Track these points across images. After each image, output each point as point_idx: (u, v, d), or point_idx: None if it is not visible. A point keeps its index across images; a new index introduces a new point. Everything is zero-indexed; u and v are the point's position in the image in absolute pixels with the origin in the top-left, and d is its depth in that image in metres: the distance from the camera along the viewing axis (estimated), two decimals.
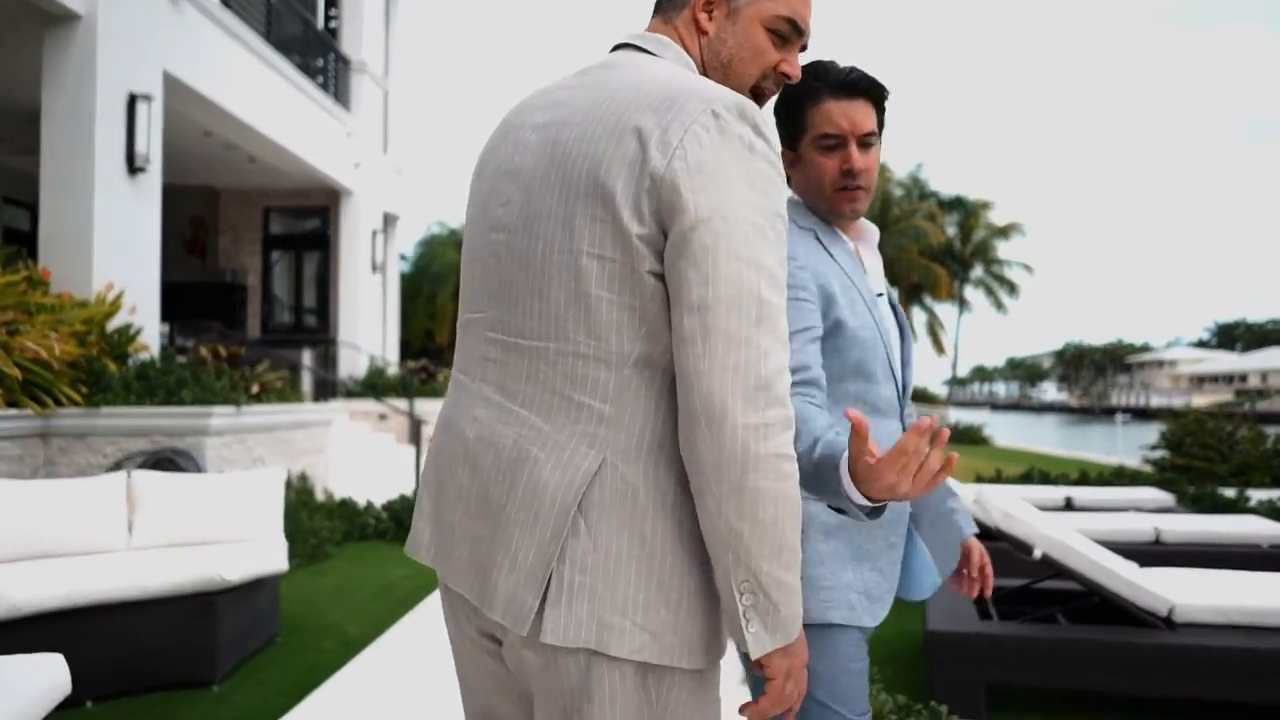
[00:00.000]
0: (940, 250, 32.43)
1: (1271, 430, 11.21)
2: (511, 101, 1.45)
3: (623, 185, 1.15)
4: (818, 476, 1.40)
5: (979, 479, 10.71)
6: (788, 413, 1.15)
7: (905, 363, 1.87)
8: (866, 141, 1.79)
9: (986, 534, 4.20)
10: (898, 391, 1.81)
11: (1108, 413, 62.04)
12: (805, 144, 1.81)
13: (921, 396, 28.99)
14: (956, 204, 36.15)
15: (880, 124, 1.83)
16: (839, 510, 1.46)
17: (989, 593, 2.01)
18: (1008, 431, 33.65)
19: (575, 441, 1.19)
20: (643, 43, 1.37)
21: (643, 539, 1.18)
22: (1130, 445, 18.85)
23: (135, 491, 4.46)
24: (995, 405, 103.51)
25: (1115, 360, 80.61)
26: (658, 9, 1.43)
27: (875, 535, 1.78)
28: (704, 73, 1.37)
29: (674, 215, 1.13)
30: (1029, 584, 4.23)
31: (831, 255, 1.77)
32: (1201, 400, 62.71)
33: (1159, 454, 11.50)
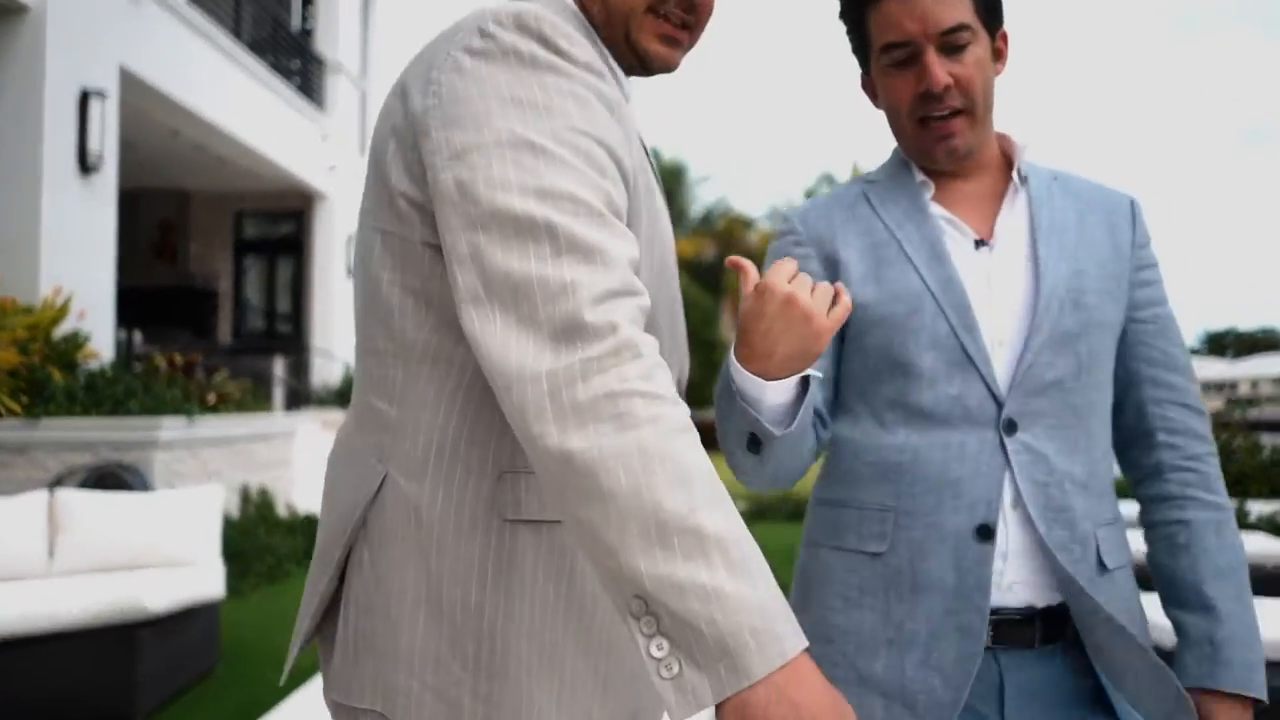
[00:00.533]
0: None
1: (1266, 438, 10.98)
2: None
3: (394, 143, 0.97)
4: (726, 401, 1.16)
5: None
6: (624, 339, 0.81)
7: (1025, 339, 1.25)
8: (953, 44, 1.25)
9: None
10: (987, 389, 1.24)
11: None
12: (875, 65, 1.32)
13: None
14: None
15: (982, 8, 1.27)
16: (754, 442, 1.17)
17: None
18: None
19: (367, 454, 1.00)
20: None
21: (428, 575, 0.93)
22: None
23: (59, 511, 4.12)
24: None
25: None
26: None
27: (930, 608, 1.22)
28: (588, 15, 1.09)
29: (431, 160, 0.91)
30: None
31: (879, 206, 1.34)
32: None
33: None
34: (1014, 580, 1.23)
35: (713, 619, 0.73)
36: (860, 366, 1.31)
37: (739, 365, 1.12)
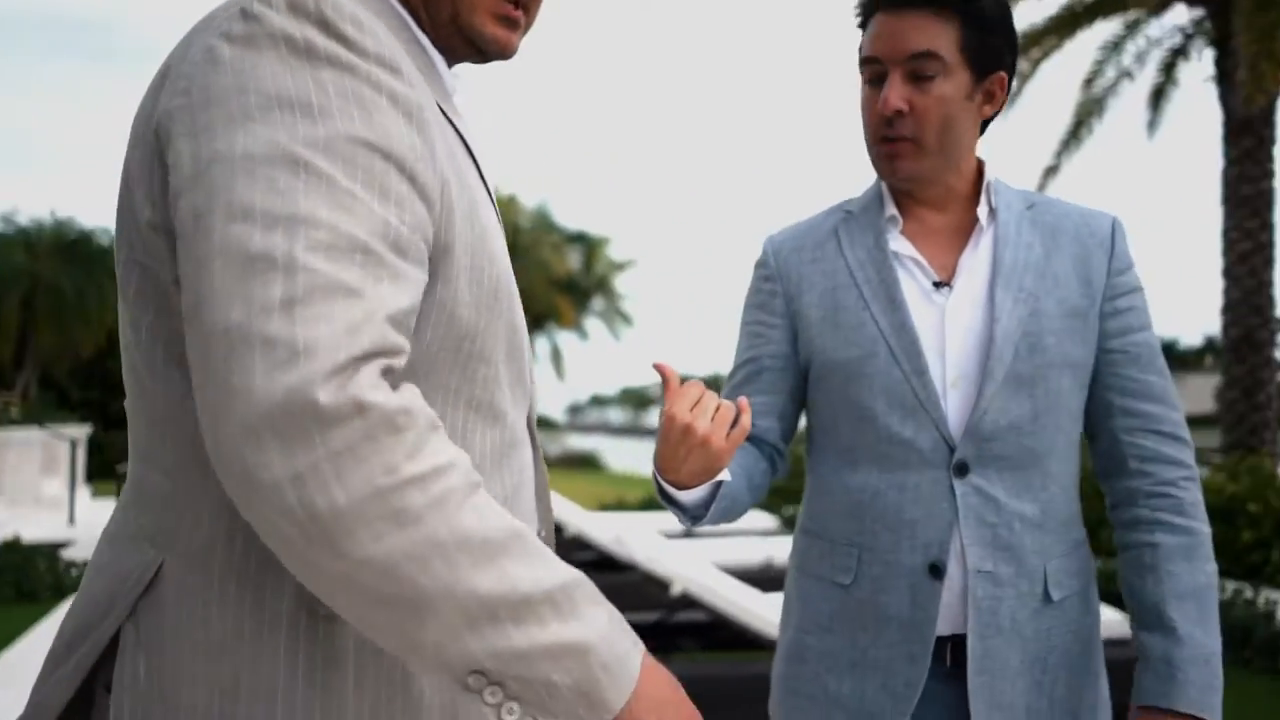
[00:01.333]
0: (564, 281, 34.61)
1: None
2: None
3: (140, 154, 0.80)
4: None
5: (602, 506, 10.89)
6: (375, 417, 0.68)
7: (978, 383, 1.31)
8: (918, 71, 1.29)
9: (617, 566, 4.48)
10: (938, 433, 1.31)
11: None
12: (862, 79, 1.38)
13: (542, 423, 31.57)
14: (579, 238, 38.53)
15: (970, 46, 1.30)
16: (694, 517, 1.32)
17: None
18: (622, 457, 35.07)
19: (139, 536, 0.84)
20: None
21: (222, 688, 0.78)
22: None
23: None
24: (610, 430, 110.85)
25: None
26: None
27: (890, 637, 1.34)
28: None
29: (172, 178, 0.75)
30: (662, 619, 4.46)
31: (849, 244, 1.40)
32: None
33: None
34: (953, 607, 1.31)
35: (563, 671, 0.72)
36: (824, 408, 1.41)
37: (656, 471, 1.26)
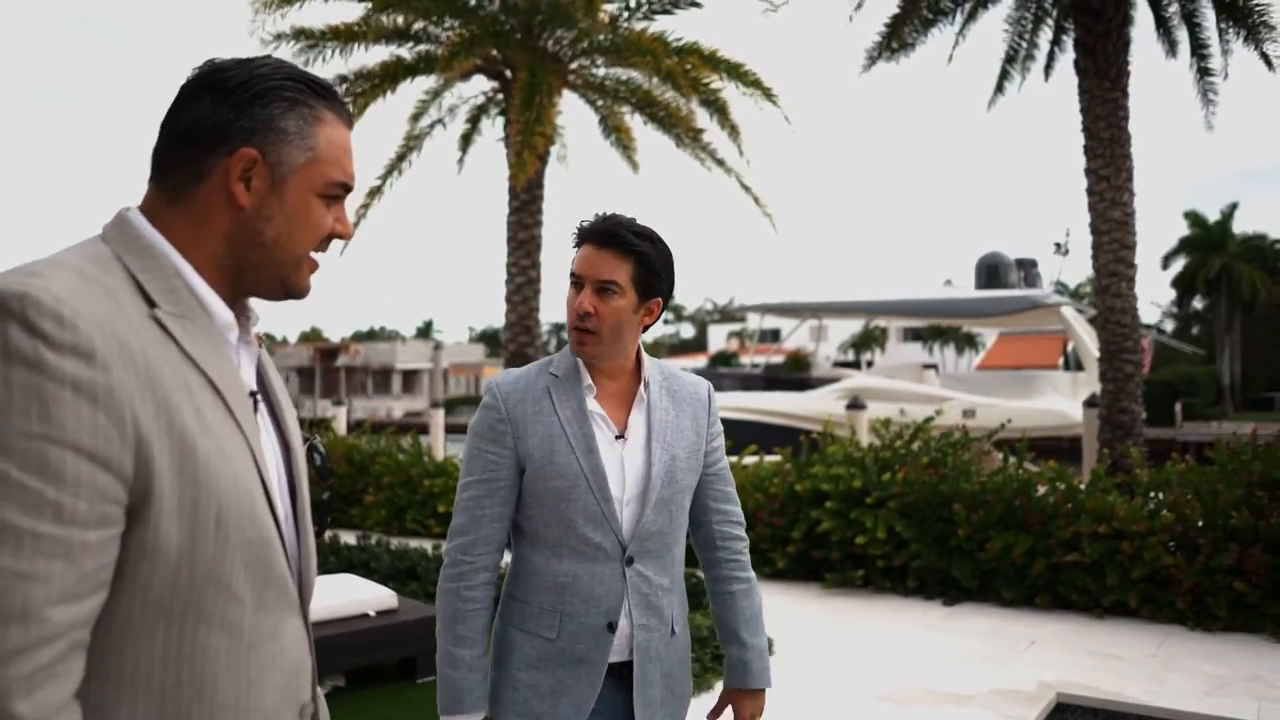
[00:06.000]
0: None
1: None
2: None
3: None
4: (448, 677, 1.83)
5: None
6: None
7: (640, 504, 1.89)
8: (604, 289, 1.83)
9: None
10: (617, 538, 1.87)
11: None
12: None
13: None
14: None
15: (638, 279, 1.85)
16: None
17: None
18: None
19: None
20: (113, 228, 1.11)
21: None
22: None
23: None
24: None
25: None
26: (157, 176, 1.13)
27: (579, 671, 1.87)
28: (230, 255, 1.13)
29: None
30: None
31: (558, 402, 1.87)
32: None
33: None
34: (621, 646, 1.90)
35: None
36: (537, 515, 1.88)
37: None
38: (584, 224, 1.88)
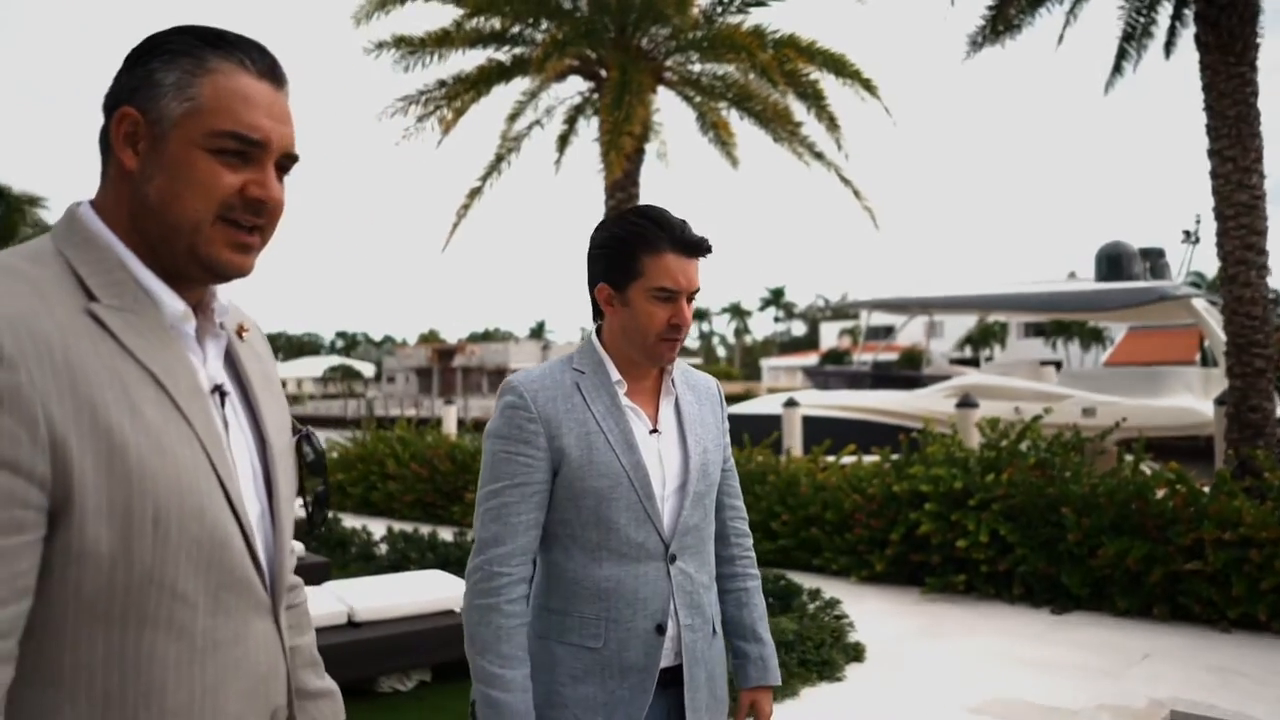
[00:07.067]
0: None
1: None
2: None
3: None
4: (502, 708, 1.67)
5: None
6: None
7: (680, 499, 1.82)
8: (692, 299, 1.81)
9: None
10: (659, 535, 1.79)
11: None
12: (636, 290, 1.78)
13: None
14: None
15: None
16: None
17: None
18: None
19: None
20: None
21: None
22: None
23: None
24: None
25: None
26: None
27: (630, 680, 1.78)
28: (135, 229, 1.08)
29: None
30: None
31: (590, 399, 1.80)
32: None
33: None
34: (669, 650, 1.81)
35: None
36: (574, 518, 1.77)
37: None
38: (665, 231, 1.77)
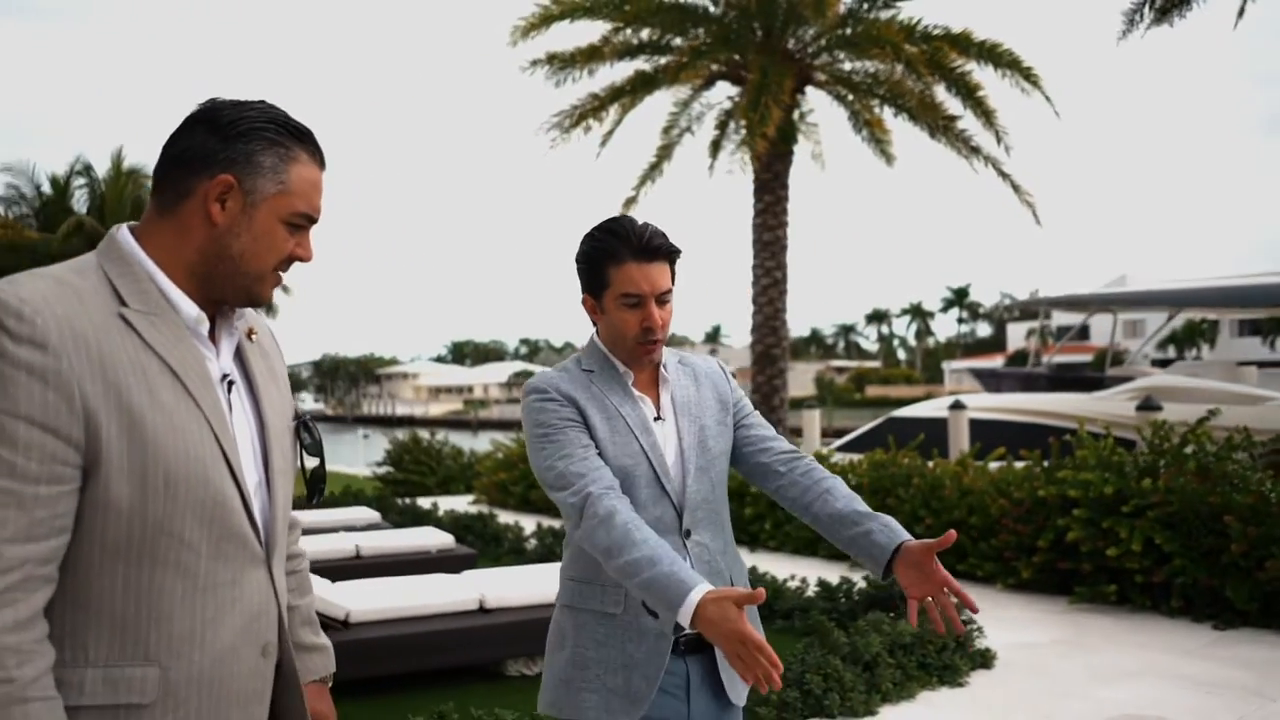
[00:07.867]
0: None
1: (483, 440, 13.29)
2: None
3: None
4: (652, 585, 1.66)
5: None
6: None
7: (682, 474, 1.93)
8: (663, 299, 1.91)
9: None
10: (675, 510, 1.92)
11: (360, 421, 67.93)
12: (608, 298, 1.92)
13: None
14: None
15: (672, 278, 1.95)
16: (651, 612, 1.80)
17: (976, 610, 1.85)
18: None
19: None
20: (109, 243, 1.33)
21: None
22: (373, 457, 18.51)
23: None
24: None
25: (367, 372, 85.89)
26: (155, 192, 1.34)
27: (648, 644, 1.88)
28: (203, 264, 1.32)
29: None
30: None
31: (604, 391, 1.93)
32: (438, 409, 73.15)
33: (384, 469, 13.51)
34: None
35: None
36: None
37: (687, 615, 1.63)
38: (623, 241, 1.88)
